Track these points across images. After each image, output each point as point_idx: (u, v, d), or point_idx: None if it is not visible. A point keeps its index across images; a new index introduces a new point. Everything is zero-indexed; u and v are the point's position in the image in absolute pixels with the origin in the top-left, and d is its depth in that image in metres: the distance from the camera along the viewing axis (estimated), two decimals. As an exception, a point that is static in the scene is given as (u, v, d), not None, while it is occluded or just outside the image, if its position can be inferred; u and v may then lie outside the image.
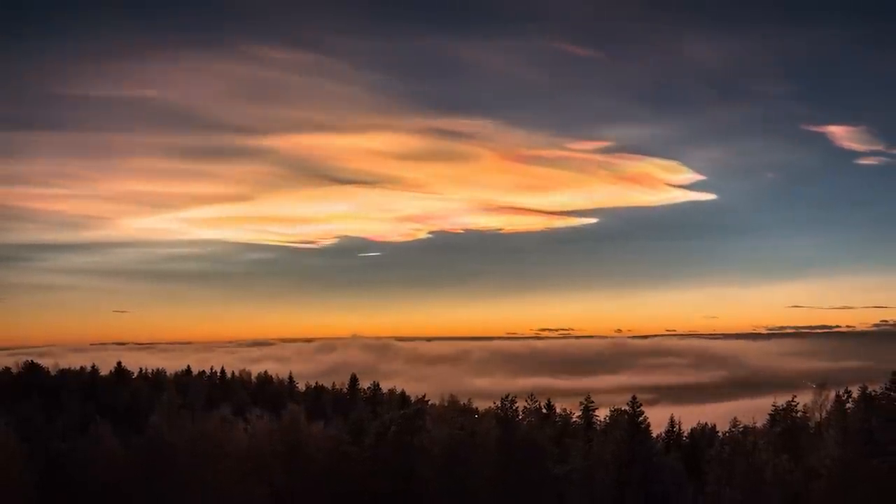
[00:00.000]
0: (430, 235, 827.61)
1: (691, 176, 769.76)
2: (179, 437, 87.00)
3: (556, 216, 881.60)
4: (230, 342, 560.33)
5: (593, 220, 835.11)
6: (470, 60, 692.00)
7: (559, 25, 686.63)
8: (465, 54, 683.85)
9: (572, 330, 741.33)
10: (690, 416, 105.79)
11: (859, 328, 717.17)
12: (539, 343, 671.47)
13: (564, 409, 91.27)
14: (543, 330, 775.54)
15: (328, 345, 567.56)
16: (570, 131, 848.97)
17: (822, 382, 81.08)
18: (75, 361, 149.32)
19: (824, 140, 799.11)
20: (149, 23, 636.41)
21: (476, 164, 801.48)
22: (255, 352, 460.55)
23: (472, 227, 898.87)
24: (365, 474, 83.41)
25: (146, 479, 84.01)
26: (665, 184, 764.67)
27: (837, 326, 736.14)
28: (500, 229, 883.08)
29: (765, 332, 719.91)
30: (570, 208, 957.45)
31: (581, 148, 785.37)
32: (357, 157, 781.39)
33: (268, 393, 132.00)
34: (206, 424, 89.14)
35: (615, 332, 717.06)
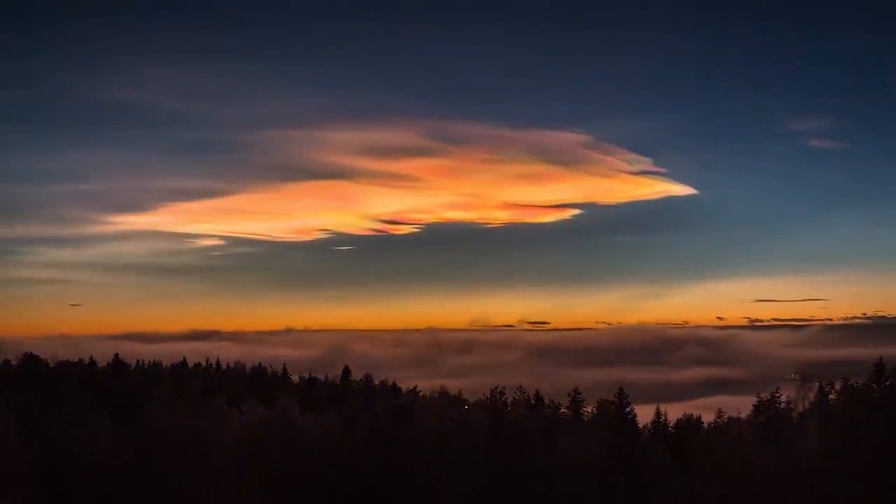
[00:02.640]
0: (411, 229, 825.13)
1: (669, 171, 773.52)
2: (176, 428, 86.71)
3: (535, 209, 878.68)
4: (225, 334, 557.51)
5: (571, 214, 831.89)
6: (448, 54, 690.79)
7: (537, 19, 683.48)
8: (443, 48, 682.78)
9: (549, 322, 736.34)
10: (675, 407, 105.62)
11: (834, 321, 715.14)
12: (530, 336, 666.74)
13: (552, 401, 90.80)
14: (525, 322, 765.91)
15: (322, 337, 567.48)
16: (547, 125, 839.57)
17: (805, 374, 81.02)
18: (71, 353, 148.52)
19: (795, 136, 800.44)
20: (128, 20, 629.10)
21: (455, 158, 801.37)
22: (250, 343, 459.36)
23: (453, 220, 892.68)
24: (357, 464, 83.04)
25: (143, 469, 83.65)
26: (642, 178, 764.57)
27: (814, 318, 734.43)
28: (482, 222, 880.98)
29: (740, 323, 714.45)
30: (549, 202, 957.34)
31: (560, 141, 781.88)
32: (338, 152, 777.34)
33: (262, 384, 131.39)
34: (202, 415, 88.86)
35: (596, 323, 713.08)
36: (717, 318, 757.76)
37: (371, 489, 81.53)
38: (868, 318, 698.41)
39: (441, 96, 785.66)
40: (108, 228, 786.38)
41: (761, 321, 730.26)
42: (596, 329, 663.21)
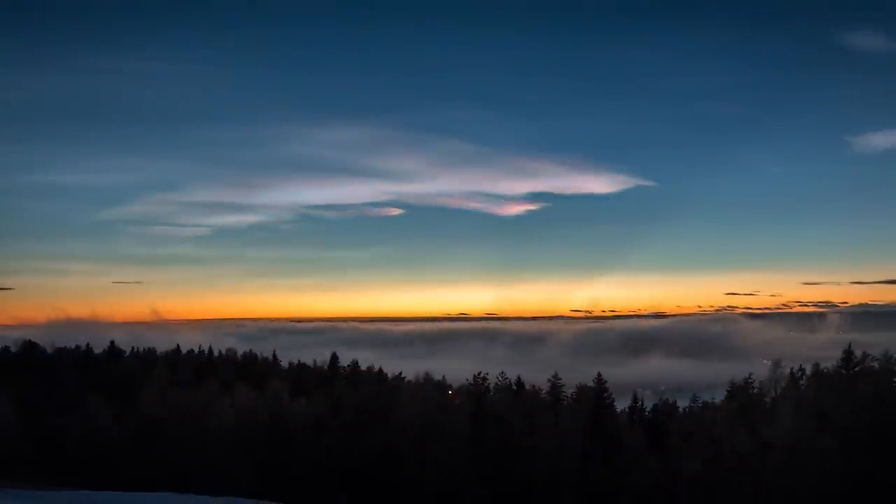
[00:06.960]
0: (374, 218, 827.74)
1: (630, 164, 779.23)
2: (169, 412, 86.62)
3: (508, 202, 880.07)
4: (219, 322, 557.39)
5: (539, 206, 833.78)
6: (431, 48, 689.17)
7: (493, 13, 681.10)
8: (427, 42, 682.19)
9: (527, 312, 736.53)
10: (652, 393, 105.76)
11: (800, 311, 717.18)
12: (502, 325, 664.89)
13: (533, 386, 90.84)
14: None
15: (314, 325, 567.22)
16: (504, 117, 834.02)
17: (777, 359, 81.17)
18: (69, 340, 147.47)
19: (760, 131, 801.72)
20: (100, 18, 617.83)
21: (439, 153, 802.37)
22: (243, 331, 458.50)
23: (424, 208, 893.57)
24: (344, 448, 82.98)
25: (138, 452, 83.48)
26: (605, 171, 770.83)
27: (788, 307, 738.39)
28: (454, 211, 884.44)
29: (706, 312, 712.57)
30: (512, 194, 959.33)
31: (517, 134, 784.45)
32: (326, 147, 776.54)
33: (253, 370, 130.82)
34: (195, 400, 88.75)
35: (569, 313, 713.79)
36: (695, 307, 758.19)
37: (359, 472, 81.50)
38: (837, 306, 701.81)
39: (422, 92, 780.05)
40: (100, 219, 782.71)
41: (733, 309, 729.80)
42: (570, 318, 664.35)
